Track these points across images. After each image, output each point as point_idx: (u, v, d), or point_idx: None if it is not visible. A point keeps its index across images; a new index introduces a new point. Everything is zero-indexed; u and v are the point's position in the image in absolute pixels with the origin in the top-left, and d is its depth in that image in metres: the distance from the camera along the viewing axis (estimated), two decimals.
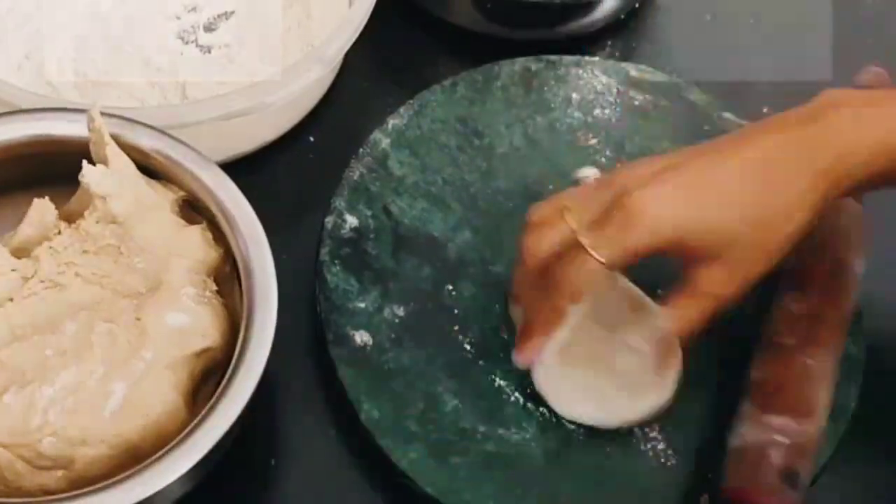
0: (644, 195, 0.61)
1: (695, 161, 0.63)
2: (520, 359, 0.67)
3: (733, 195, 0.62)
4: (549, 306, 0.65)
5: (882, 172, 0.63)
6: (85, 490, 0.55)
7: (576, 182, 0.75)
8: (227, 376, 0.59)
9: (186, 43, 0.79)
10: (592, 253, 0.62)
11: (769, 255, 0.62)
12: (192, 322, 0.61)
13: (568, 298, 0.64)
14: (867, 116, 0.63)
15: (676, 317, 0.64)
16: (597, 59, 0.81)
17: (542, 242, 0.65)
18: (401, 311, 0.71)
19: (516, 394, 0.69)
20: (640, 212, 0.61)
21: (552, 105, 0.80)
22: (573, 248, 0.63)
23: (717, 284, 0.62)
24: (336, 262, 0.71)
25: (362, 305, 0.70)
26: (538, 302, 0.66)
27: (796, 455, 0.63)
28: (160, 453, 0.56)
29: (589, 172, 0.76)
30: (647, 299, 0.69)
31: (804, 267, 0.70)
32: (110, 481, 0.55)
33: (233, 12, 0.80)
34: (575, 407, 0.68)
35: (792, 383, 0.65)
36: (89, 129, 0.63)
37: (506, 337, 0.71)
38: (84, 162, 0.61)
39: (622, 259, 0.62)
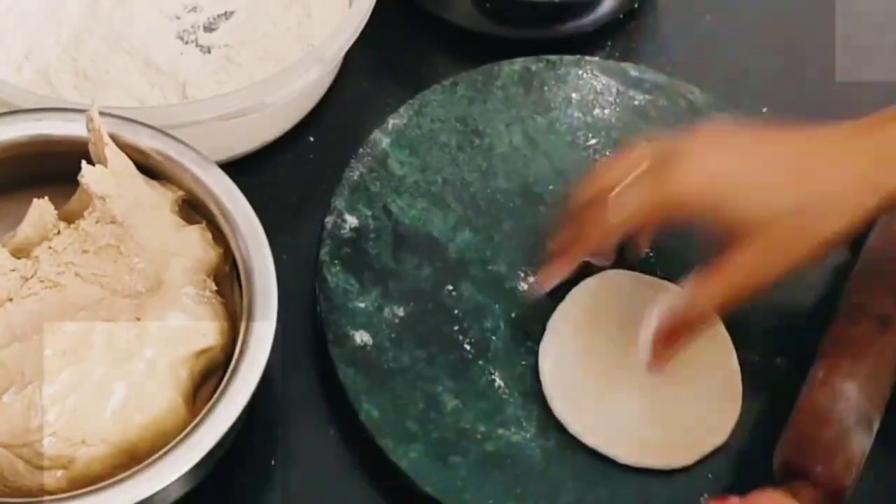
0: (698, 143, 0.62)
1: (762, 133, 0.64)
2: (534, 284, 0.69)
3: (785, 174, 0.62)
4: (578, 237, 0.66)
5: None
6: (85, 490, 0.55)
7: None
8: (227, 376, 0.59)
9: (186, 43, 0.79)
10: (610, 211, 0.63)
11: (808, 246, 0.62)
12: (191, 322, 0.61)
13: (595, 238, 0.65)
14: None
15: (698, 290, 0.63)
16: (597, 59, 0.81)
17: (611, 168, 0.66)
18: (401, 311, 0.71)
19: (516, 394, 0.69)
20: (688, 157, 0.62)
21: (552, 105, 0.80)
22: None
23: (750, 260, 0.62)
24: (336, 262, 0.71)
25: (362, 305, 0.70)
26: (572, 234, 0.68)
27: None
28: (160, 453, 0.56)
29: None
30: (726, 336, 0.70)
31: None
32: (110, 481, 0.55)
33: (233, 12, 0.80)
34: (604, 438, 0.67)
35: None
36: (88, 130, 0.63)
37: (506, 337, 0.71)
38: (83, 162, 0.61)
39: (663, 200, 0.62)
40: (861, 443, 0.63)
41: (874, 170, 0.61)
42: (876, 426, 0.64)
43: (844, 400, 0.63)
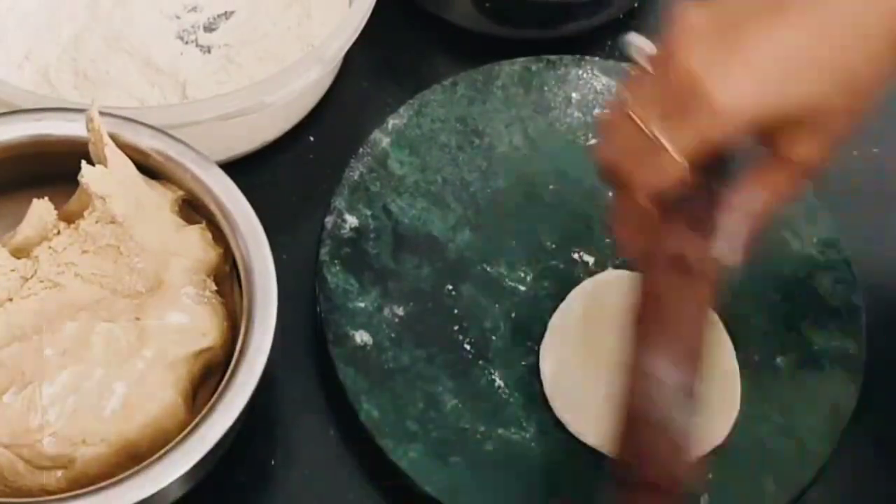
0: (717, 81, 0.54)
1: (762, 29, 0.55)
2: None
3: (816, 61, 0.56)
4: (632, 212, 0.59)
5: None
6: (85, 490, 0.55)
7: (626, 53, 0.63)
8: (227, 376, 0.59)
9: (186, 43, 0.79)
10: (669, 148, 0.56)
11: (857, 115, 0.58)
12: (191, 322, 0.61)
13: (648, 201, 0.58)
14: None
15: (766, 189, 0.59)
16: (597, 59, 0.81)
17: (612, 146, 0.58)
18: (401, 311, 0.71)
19: (516, 394, 0.69)
20: (716, 100, 0.54)
21: (552, 105, 0.79)
22: (644, 144, 0.56)
23: (805, 152, 0.58)
24: (336, 261, 0.71)
25: (362, 305, 0.70)
26: (622, 210, 0.61)
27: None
28: (160, 453, 0.56)
29: (638, 41, 0.62)
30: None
31: None
32: (110, 481, 0.55)
33: (233, 12, 0.80)
34: (605, 438, 0.63)
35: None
36: (88, 129, 0.63)
37: (506, 337, 0.71)
38: (83, 162, 0.61)
39: (702, 151, 0.56)
40: (683, 423, 0.57)
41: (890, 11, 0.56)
42: (698, 390, 0.58)
43: (655, 384, 0.57)
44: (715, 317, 0.70)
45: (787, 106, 0.56)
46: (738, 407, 0.69)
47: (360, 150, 0.75)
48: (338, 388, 0.67)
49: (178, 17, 0.80)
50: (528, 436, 0.68)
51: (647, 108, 0.56)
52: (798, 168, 0.59)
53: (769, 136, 0.58)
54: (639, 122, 0.56)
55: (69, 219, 0.63)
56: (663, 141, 0.55)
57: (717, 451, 0.67)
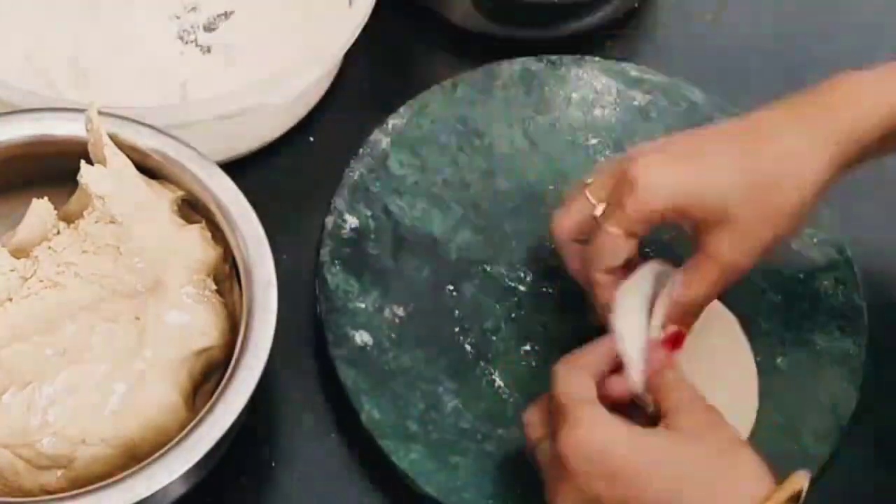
0: (641, 162, 0.62)
1: (696, 132, 0.65)
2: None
3: (730, 158, 0.62)
4: (591, 281, 0.65)
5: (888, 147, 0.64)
6: (85, 489, 0.55)
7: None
8: (226, 376, 0.59)
9: (186, 43, 0.79)
10: (602, 223, 0.63)
11: (778, 220, 0.62)
12: (191, 321, 0.61)
13: (601, 270, 0.64)
14: (881, 84, 0.64)
15: (686, 283, 0.63)
16: (597, 59, 0.81)
17: (565, 217, 0.66)
18: (401, 312, 0.71)
19: (516, 394, 0.69)
20: (638, 178, 0.62)
21: (552, 105, 0.79)
22: (594, 221, 0.64)
23: (724, 250, 0.62)
24: (336, 262, 0.71)
25: (362, 305, 0.70)
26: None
27: None
28: (160, 453, 0.56)
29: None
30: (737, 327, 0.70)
31: None
32: (110, 481, 0.55)
33: (233, 12, 0.80)
34: None
35: None
36: (87, 129, 0.63)
37: (506, 337, 0.71)
38: (82, 162, 0.61)
39: (629, 227, 0.62)
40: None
41: (821, 122, 0.62)
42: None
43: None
44: (732, 316, 0.70)
45: (702, 196, 0.61)
46: (755, 408, 0.68)
47: (360, 150, 0.75)
48: (338, 388, 0.67)
49: (177, 17, 0.80)
50: None
51: (599, 188, 0.64)
52: (714, 264, 0.62)
53: (698, 230, 0.63)
54: (590, 198, 0.64)
55: (69, 219, 0.63)
56: (597, 216, 0.63)
57: None
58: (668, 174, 0.62)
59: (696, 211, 0.62)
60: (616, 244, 0.63)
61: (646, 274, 0.64)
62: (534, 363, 0.70)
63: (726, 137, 0.64)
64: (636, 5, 0.87)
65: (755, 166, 0.62)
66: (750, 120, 0.64)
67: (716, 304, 0.70)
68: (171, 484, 0.56)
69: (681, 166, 0.62)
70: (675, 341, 0.63)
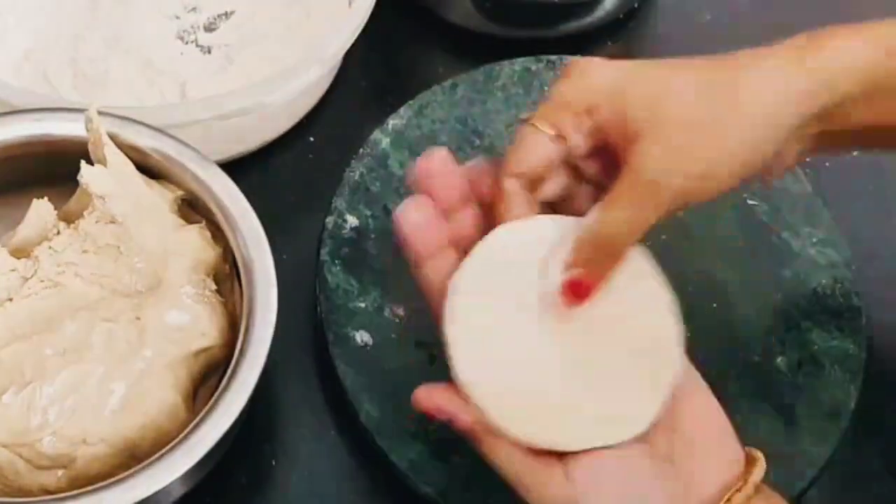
0: (584, 59, 0.56)
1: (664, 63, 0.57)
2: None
3: (684, 68, 0.55)
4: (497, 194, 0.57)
5: (874, 117, 0.56)
6: (85, 489, 0.55)
7: None
8: (226, 376, 0.59)
9: (186, 43, 0.79)
10: (532, 120, 0.55)
11: (725, 141, 0.53)
12: (191, 321, 0.61)
13: (514, 174, 0.56)
14: (860, 37, 0.57)
15: (604, 203, 0.53)
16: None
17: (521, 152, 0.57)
18: (401, 311, 0.71)
19: None
20: (576, 65, 0.56)
21: None
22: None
23: (652, 162, 0.52)
24: (336, 262, 0.71)
25: (362, 305, 0.70)
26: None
27: None
28: (160, 453, 0.56)
29: None
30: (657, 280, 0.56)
31: None
32: (110, 480, 0.55)
33: (233, 12, 0.80)
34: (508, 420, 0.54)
35: None
36: (87, 129, 0.63)
37: None
38: (83, 162, 0.61)
39: (558, 118, 0.55)
40: None
41: (793, 61, 0.55)
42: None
43: None
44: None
45: (643, 94, 0.54)
46: (670, 381, 0.54)
47: (360, 150, 0.75)
48: (338, 388, 0.67)
49: (177, 17, 0.80)
50: None
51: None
52: (645, 182, 0.53)
53: (626, 144, 0.54)
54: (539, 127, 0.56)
55: (69, 219, 0.63)
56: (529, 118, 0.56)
57: None
58: (610, 67, 0.55)
59: (633, 110, 0.53)
60: (539, 142, 0.55)
61: (546, 223, 0.55)
62: None
63: (686, 61, 0.56)
64: (636, 5, 0.87)
65: (711, 77, 0.54)
66: (716, 55, 0.56)
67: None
68: (171, 484, 0.56)
69: (627, 65, 0.55)
70: (576, 290, 0.52)
